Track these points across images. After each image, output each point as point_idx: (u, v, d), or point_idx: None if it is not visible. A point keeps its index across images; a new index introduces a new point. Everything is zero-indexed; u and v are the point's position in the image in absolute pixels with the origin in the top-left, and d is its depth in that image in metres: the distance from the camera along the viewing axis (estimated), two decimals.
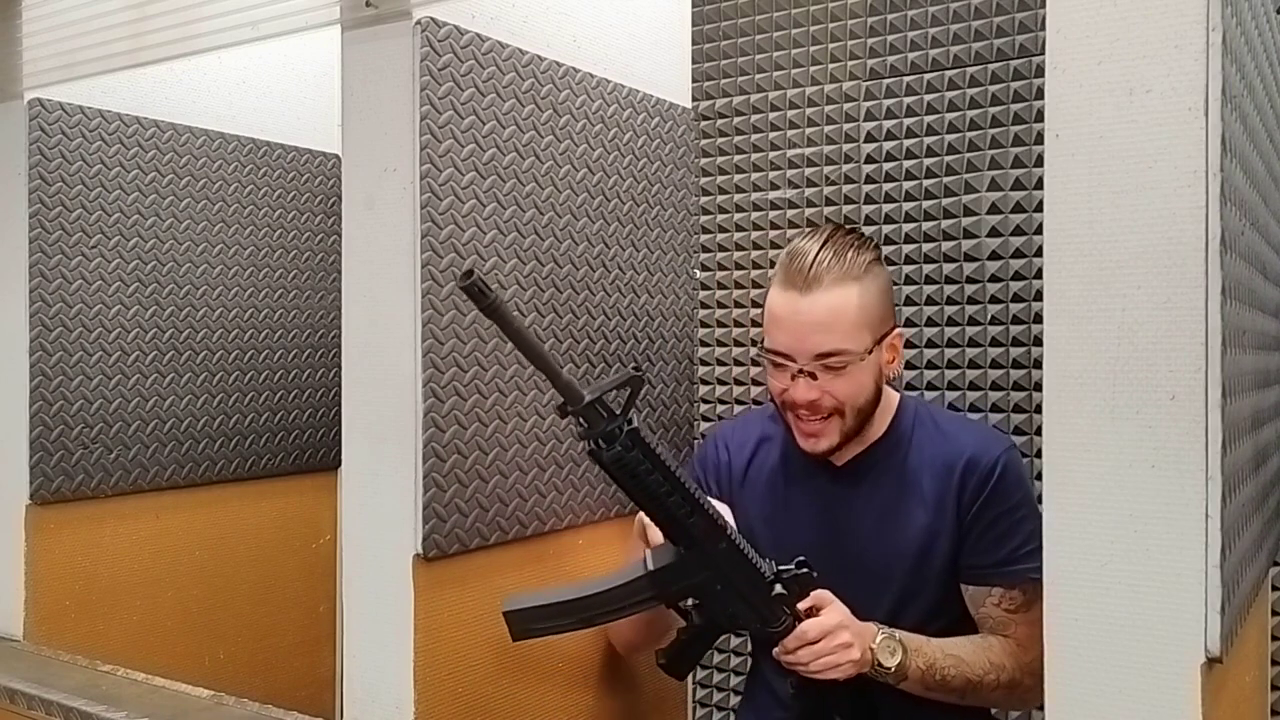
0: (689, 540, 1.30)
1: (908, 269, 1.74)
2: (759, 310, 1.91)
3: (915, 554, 1.44)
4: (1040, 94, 1.59)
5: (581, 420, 1.22)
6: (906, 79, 1.75)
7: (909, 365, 1.74)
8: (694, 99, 1.93)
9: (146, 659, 1.88)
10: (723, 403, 1.95)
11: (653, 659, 1.45)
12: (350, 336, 1.44)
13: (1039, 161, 1.51)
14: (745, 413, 1.82)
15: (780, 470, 1.54)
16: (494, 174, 1.46)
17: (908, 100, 1.75)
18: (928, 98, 1.74)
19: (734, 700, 1.89)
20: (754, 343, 1.92)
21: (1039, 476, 1.42)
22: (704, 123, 1.95)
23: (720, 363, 1.96)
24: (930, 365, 1.74)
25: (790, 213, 1.88)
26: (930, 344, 1.74)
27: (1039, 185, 1.48)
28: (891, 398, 1.49)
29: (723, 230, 1.94)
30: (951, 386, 1.73)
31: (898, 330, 1.46)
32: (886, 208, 1.77)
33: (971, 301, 1.70)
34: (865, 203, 1.80)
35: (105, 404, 1.96)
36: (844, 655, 1.31)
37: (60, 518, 1.91)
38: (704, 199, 1.95)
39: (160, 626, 2.05)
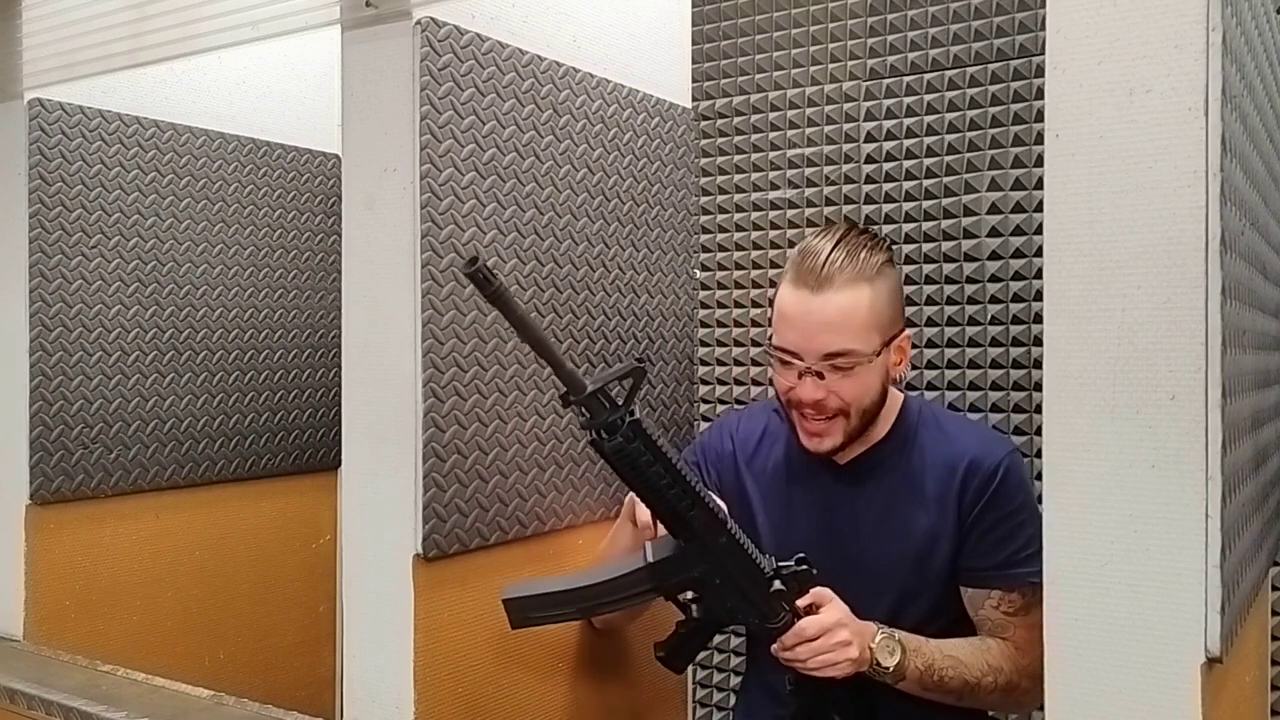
0: (689, 533, 1.30)
1: (908, 269, 1.74)
2: (759, 310, 1.92)
3: (915, 555, 1.44)
4: (1040, 94, 1.59)
5: (584, 410, 1.22)
6: (906, 79, 1.75)
7: None
8: (694, 99, 1.93)
9: (146, 659, 1.88)
10: (723, 403, 1.95)
11: (653, 657, 1.45)
12: (350, 336, 1.44)
13: (1039, 161, 1.51)
14: (751, 404, 1.82)
15: (783, 467, 1.54)
16: (494, 174, 1.46)
17: (908, 100, 1.75)
18: (928, 98, 1.74)
19: (734, 699, 1.89)
20: (754, 343, 1.92)
21: (1039, 476, 1.42)
22: (704, 123, 1.95)
23: (720, 363, 1.96)
24: (930, 365, 1.74)
25: (790, 213, 1.88)
26: (930, 344, 1.74)
27: (1039, 185, 1.48)
28: (896, 398, 1.49)
29: (723, 230, 1.94)
30: (951, 386, 1.73)
31: (906, 333, 1.45)
32: (886, 208, 1.77)
33: (971, 301, 1.70)
34: (865, 203, 1.80)
35: (105, 404, 1.96)
36: (842, 653, 1.31)
37: (60, 518, 1.91)
38: (704, 199, 1.95)
39: (160, 626, 2.05)
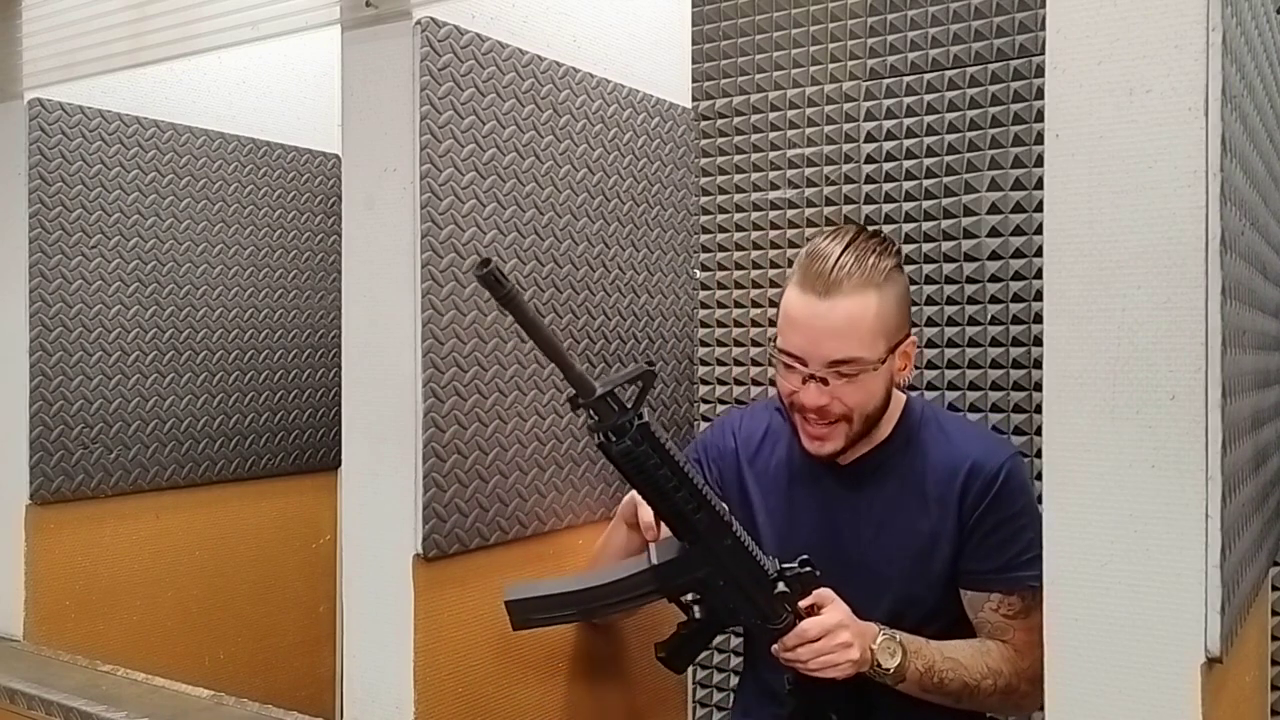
0: (694, 535, 1.30)
1: (908, 269, 1.74)
2: (759, 310, 1.92)
3: (916, 556, 1.44)
4: (1040, 94, 1.59)
5: (592, 413, 1.22)
6: (906, 79, 1.75)
7: None
8: (694, 99, 1.93)
9: (146, 659, 1.88)
10: (723, 402, 1.95)
11: (653, 657, 1.45)
12: (350, 336, 1.44)
13: (1039, 161, 1.51)
14: (753, 403, 1.82)
15: (785, 467, 1.54)
16: (494, 174, 1.46)
17: (908, 100, 1.75)
18: (928, 98, 1.74)
19: (733, 699, 1.89)
20: (754, 343, 1.92)
21: (1039, 477, 1.42)
22: (704, 123, 1.95)
23: (720, 363, 1.96)
24: (930, 365, 1.74)
25: (790, 213, 1.88)
26: (930, 344, 1.74)
27: (1039, 185, 1.48)
28: (898, 398, 1.49)
29: (723, 230, 1.94)
30: (951, 386, 1.73)
31: (912, 338, 1.45)
32: (886, 208, 1.77)
33: (971, 301, 1.70)
34: (865, 203, 1.80)
35: (105, 404, 1.96)
36: (843, 655, 1.31)
37: (60, 518, 1.91)
38: (704, 199, 1.95)
39: (160, 626, 2.05)
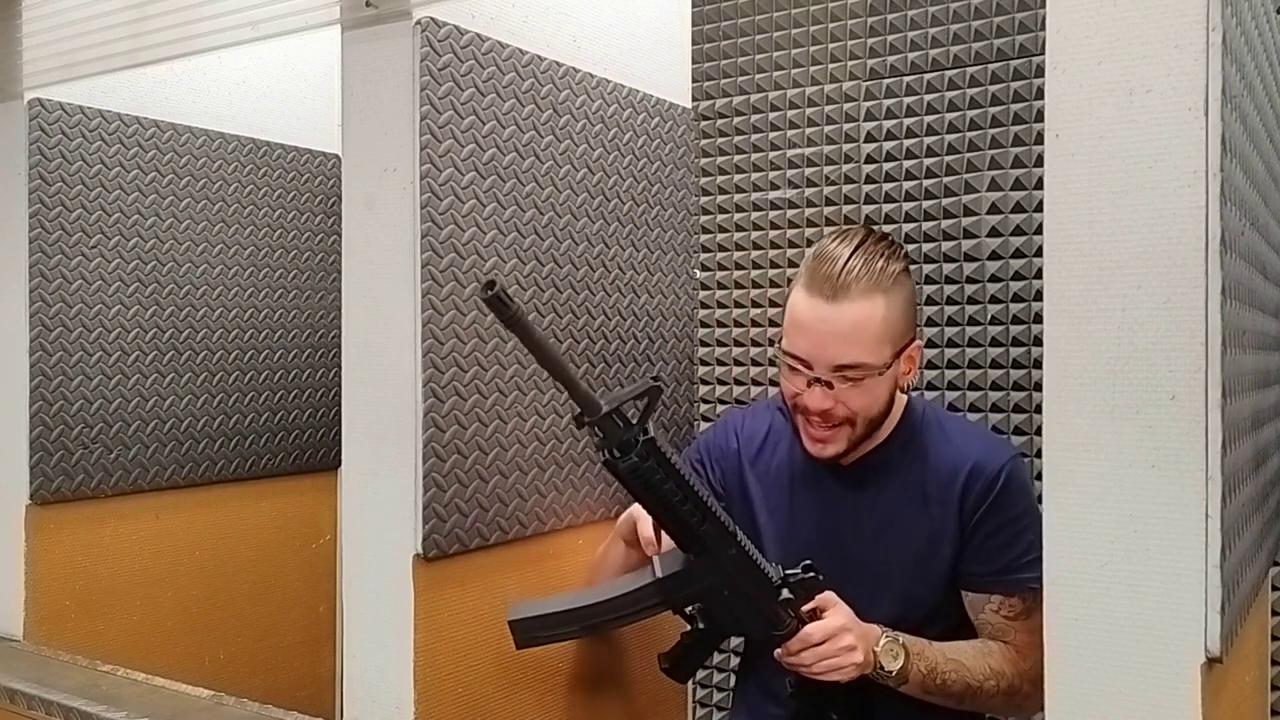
0: (699, 547, 1.30)
1: None
2: (759, 310, 1.92)
3: (917, 557, 1.44)
4: (1040, 94, 1.59)
5: (598, 430, 1.22)
6: (906, 79, 1.75)
7: None
8: (694, 99, 1.93)
9: (146, 659, 1.88)
10: (723, 402, 1.95)
11: (653, 658, 1.45)
12: (350, 336, 1.44)
13: (1039, 161, 1.51)
14: (755, 402, 1.82)
15: (787, 467, 1.54)
16: (494, 174, 1.46)
17: (908, 100, 1.75)
18: (928, 98, 1.74)
19: (733, 699, 1.89)
20: (754, 343, 1.92)
21: (1039, 477, 1.42)
22: (704, 123, 1.95)
23: (720, 363, 1.96)
24: (930, 365, 1.74)
25: (790, 213, 1.88)
26: (930, 344, 1.73)
27: (1039, 185, 1.48)
28: (900, 399, 1.49)
29: (723, 230, 1.94)
30: (951, 386, 1.73)
31: (917, 342, 1.44)
32: (886, 208, 1.77)
33: (971, 301, 1.70)
34: (865, 203, 1.80)
35: (105, 404, 1.96)
36: (847, 658, 1.31)
37: (60, 518, 1.91)
38: (704, 199, 1.95)
39: (160, 626, 2.05)
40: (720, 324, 1.95)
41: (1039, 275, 1.55)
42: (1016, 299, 1.67)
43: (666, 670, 1.43)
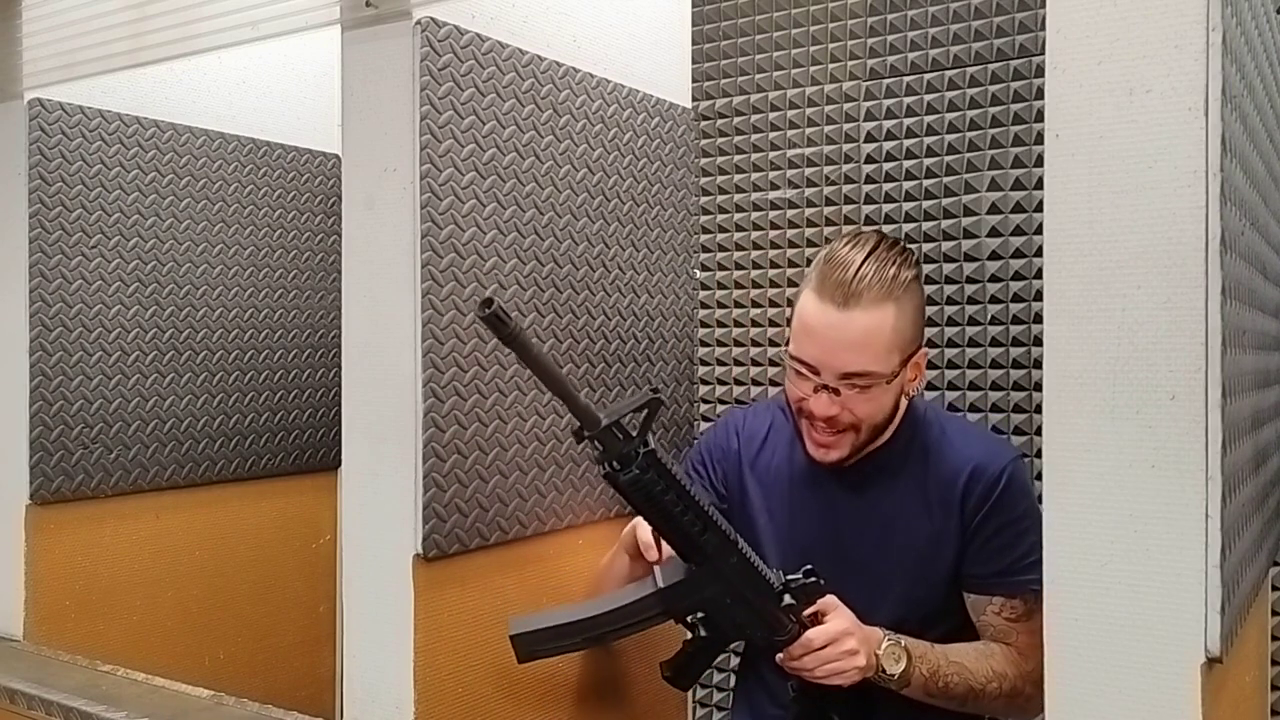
0: (701, 556, 1.30)
1: None
2: (759, 310, 1.92)
3: (918, 559, 1.44)
4: (1040, 94, 1.59)
5: (598, 444, 1.22)
6: (906, 79, 1.75)
7: None
8: (694, 99, 1.93)
9: (146, 659, 1.88)
10: (723, 402, 1.95)
11: (654, 661, 1.45)
12: (350, 336, 1.44)
13: (1039, 161, 1.51)
14: (755, 402, 1.82)
15: (787, 468, 1.54)
16: (494, 174, 1.46)
17: (908, 100, 1.75)
18: (928, 98, 1.74)
19: (733, 699, 1.89)
20: (754, 343, 1.92)
21: (1039, 477, 1.42)
22: (704, 123, 1.95)
23: (720, 363, 1.96)
24: (931, 365, 1.74)
25: (790, 213, 1.88)
26: (930, 344, 1.73)
27: (1039, 185, 1.48)
28: (902, 402, 1.49)
29: (723, 230, 1.94)
30: (951, 386, 1.73)
31: (924, 350, 1.44)
32: (886, 208, 1.77)
33: (971, 301, 1.70)
34: (865, 203, 1.80)
35: (105, 404, 1.96)
36: (849, 662, 1.31)
37: (60, 518, 1.91)
38: (704, 199, 1.95)
39: (160, 626, 2.05)
40: (720, 324, 1.95)
41: (1039, 275, 1.55)
42: (1016, 299, 1.67)
43: (668, 679, 1.43)
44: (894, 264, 1.36)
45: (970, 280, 1.70)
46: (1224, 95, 0.87)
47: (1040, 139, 1.49)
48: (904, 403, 1.47)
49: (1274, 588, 1.48)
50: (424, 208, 1.36)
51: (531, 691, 1.53)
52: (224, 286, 2.15)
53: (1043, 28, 1.38)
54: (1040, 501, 1.08)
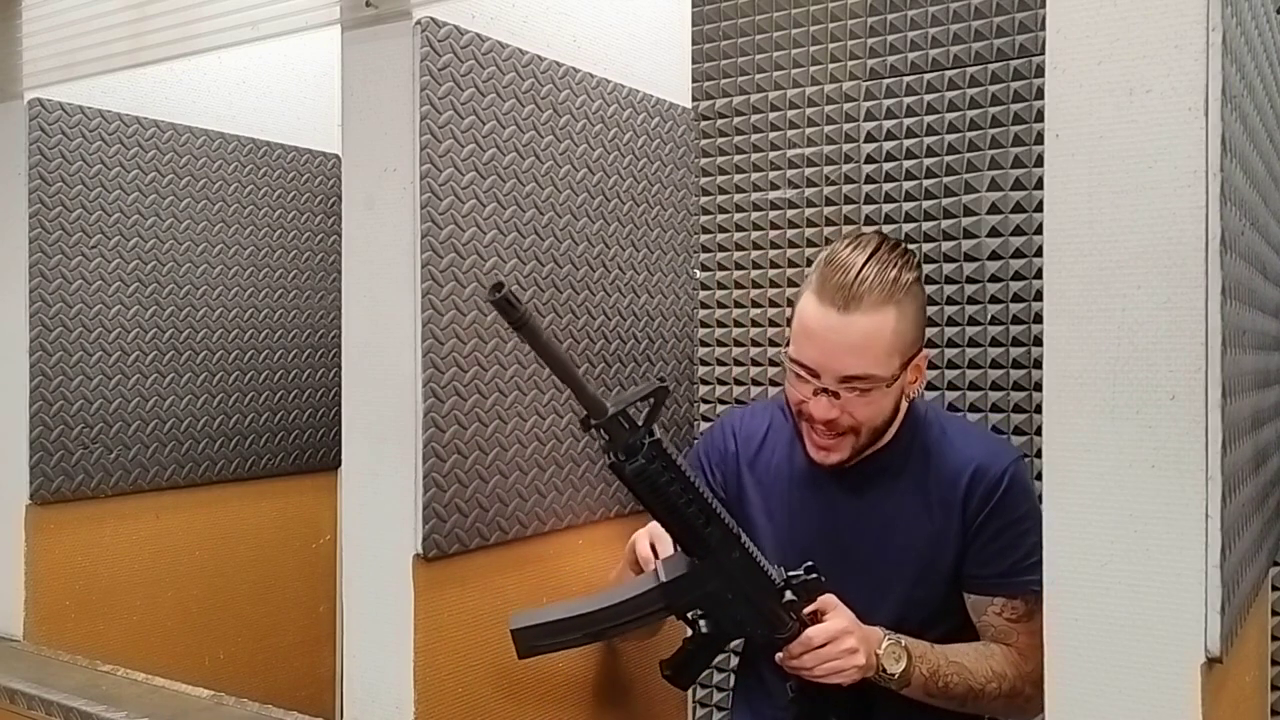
0: (704, 549, 1.29)
1: None
2: (759, 310, 1.92)
3: (919, 559, 1.44)
4: (1040, 94, 1.59)
5: (604, 433, 1.21)
6: (906, 79, 1.75)
7: None
8: (694, 99, 1.93)
9: (146, 659, 1.88)
10: (723, 402, 1.95)
11: (654, 660, 1.45)
12: (350, 336, 1.44)
13: (1039, 161, 1.51)
14: (754, 402, 1.82)
15: (786, 468, 1.53)
16: (494, 174, 1.46)
17: (908, 100, 1.75)
18: (928, 98, 1.73)
19: (733, 699, 1.89)
20: (754, 343, 1.92)
21: (1039, 477, 1.42)
22: (704, 123, 1.95)
23: (720, 363, 1.96)
24: (931, 365, 1.74)
25: (790, 213, 1.88)
26: (930, 344, 1.73)
27: (1039, 185, 1.48)
28: (902, 404, 1.48)
29: (723, 230, 1.94)
30: (951, 386, 1.73)
31: (925, 352, 1.43)
32: (886, 208, 1.77)
33: (971, 301, 1.70)
34: (865, 203, 1.80)
35: (105, 404, 1.96)
36: (849, 661, 1.31)
37: (60, 518, 1.91)
38: (704, 199, 1.95)
39: (160, 626, 2.05)
40: (720, 324, 1.95)
41: (1039, 275, 1.55)
42: (1016, 299, 1.67)
43: (668, 677, 1.43)
44: (895, 266, 1.35)
45: (970, 280, 1.70)
46: (1224, 95, 0.87)
47: (1040, 139, 1.49)
48: (904, 404, 1.47)
49: (1274, 588, 1.48)
50: (424, 208, 1.36)
51: (531, 691, 1.53)
52: (224, 286, 2.15)
53: (1043, 28, 1.38)
54: (1040, 501, 1.08)
